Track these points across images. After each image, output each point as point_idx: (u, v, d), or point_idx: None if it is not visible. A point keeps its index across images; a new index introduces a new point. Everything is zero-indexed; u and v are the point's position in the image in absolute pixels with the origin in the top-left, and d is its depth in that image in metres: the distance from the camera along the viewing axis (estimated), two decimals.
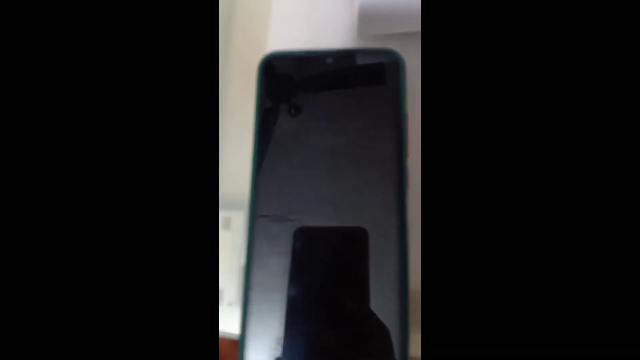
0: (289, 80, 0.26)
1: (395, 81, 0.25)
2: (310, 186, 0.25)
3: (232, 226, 0.28)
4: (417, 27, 0.26)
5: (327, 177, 0.24)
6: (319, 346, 0.23)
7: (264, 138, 0.26)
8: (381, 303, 0.23)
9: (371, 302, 0.23)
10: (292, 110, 0.26)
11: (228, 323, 0.26)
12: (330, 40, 0.29)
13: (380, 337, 0.22)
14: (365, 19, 0.26)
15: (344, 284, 0.23)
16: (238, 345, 0.23)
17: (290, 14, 0.30)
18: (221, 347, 0.26)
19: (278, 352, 0.23)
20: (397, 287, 0.23)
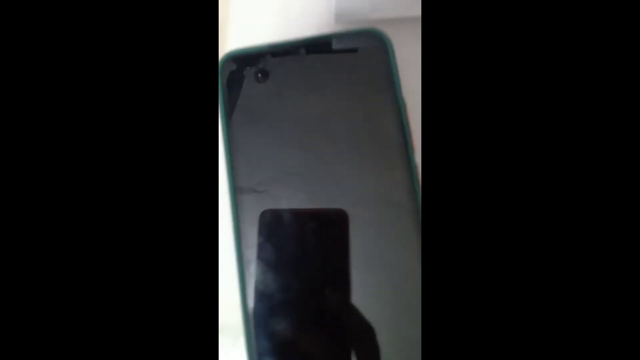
0: (260, 96, 0.22)
1: (385, 66, 0.21)
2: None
3: None
4: (402, 12, 0.23)
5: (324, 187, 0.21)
6: (295, 345, 0.20)
7: (237, 163, 0.22)
8: (366, 297, 0.20)
9: (353, 296, 0.20)
10: (267, 122, 0.22)
11: None
12: (301, 29, 0.25)
13: (363, 334, 0.19)
14: (343, 2, 0.22)
15: (324, 275, 0.20)
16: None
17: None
18: None
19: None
20: (384, 278, 0.20)
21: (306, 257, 0.21)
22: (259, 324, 0.21)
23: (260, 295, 0.21)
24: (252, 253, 0.21)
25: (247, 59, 0.23)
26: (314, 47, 0.22)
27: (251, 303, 0.21)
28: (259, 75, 0.23)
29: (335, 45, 0.22)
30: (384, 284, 0.20)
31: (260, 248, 0.21)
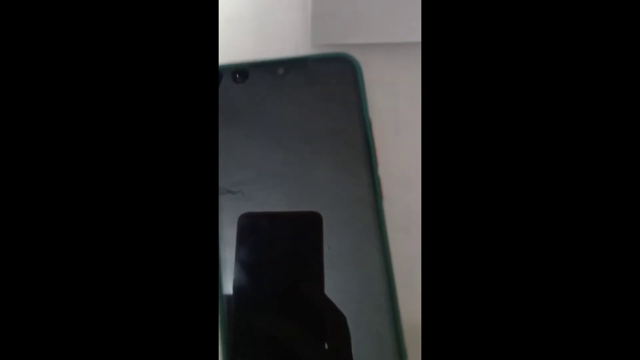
0: (237, 97, 0.24)
1: (354, 88, 0.23)
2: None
3: None
4: (372, 38, 0.25)
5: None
6: (273, 335, 0.21)
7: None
8: (338, 290, 0.21)
9: (327, 290, 0.21)
10: (243, 123, 0.23)
11: None
12: (279, 50, 0.26)
13: (335, 323, 0.21)
14: (320, 26, 0.24)
15: (299, 272, 0.22)
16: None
17: (236, 18, 0.28)
18: None
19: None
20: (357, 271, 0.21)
21: (282, 256, 0.22)
22: (236, 318, 0.22)
23: (236, 292, 0.22)
24: (227, 252, 0.22)
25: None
26: (291, 67, 0.24)
27: (228, 299, 0.22)
28: (237, 75, 0.24)
29: (310, 66, 0.24)
30: (354, 279, 0.21)
31: (237, 247, 0.22)
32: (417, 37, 0.24)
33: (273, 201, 0.22)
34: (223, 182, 0.23)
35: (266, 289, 0.22)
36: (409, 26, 0.24)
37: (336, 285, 0.21)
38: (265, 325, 0.21)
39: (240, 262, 0.22)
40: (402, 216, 0.23)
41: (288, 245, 0.22)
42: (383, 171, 0.22)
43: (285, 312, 0.21)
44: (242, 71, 0.24)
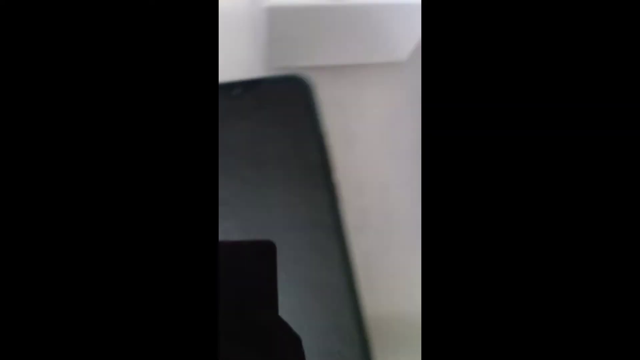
0: None
1: (308, 103, 0.25)
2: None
3: None
4: (323, 61, 0.27)
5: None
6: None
7: None
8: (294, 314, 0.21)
9: (282, 313, 0.21)
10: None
11: None
12: (228, 73, 0.28)
13: (289, 345, 0.21)
14: (276, 50, 0.26)
15: (252, 298, 0.21)
16: None
17: None
18: None
19: None
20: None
21: (232, 288, 0.22)
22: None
23: None
24: None
25: None
26: (246, 87, 0.25)
27: None
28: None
29: (264, 87, 0.25)
30: (311, 302, 0.22)
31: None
32: (366, 59, 0.27)
33: (226, 230, 0.23)
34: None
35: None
36: (358, 48, 0.27)
37: (294, 308, 0.21)
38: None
39: None
40: (357, 218, 0.25)
41: (239, 276, 0.22)
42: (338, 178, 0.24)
43: (235, 338, 0.21)
44: None
